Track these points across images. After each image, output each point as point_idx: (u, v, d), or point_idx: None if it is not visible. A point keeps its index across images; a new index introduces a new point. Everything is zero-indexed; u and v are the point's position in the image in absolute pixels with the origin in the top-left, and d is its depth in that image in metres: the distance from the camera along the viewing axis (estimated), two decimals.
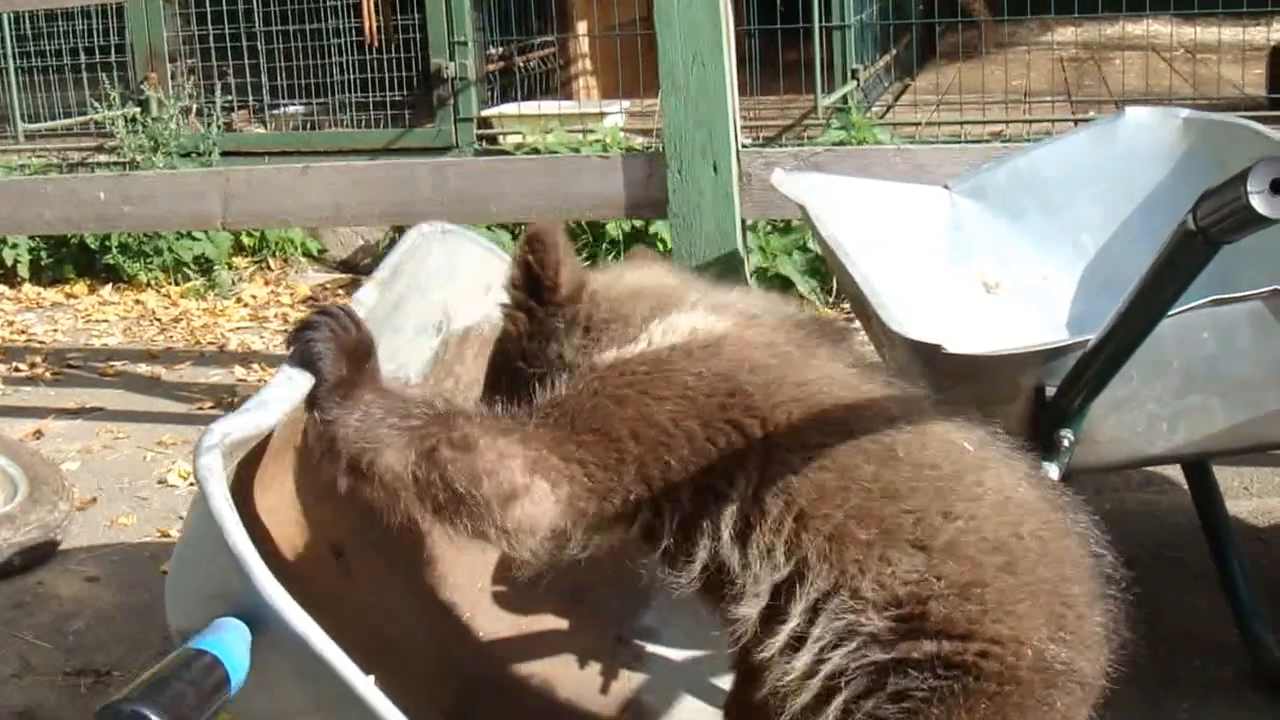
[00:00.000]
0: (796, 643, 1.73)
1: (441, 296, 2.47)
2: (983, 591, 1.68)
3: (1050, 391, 2.27)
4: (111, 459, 4.51)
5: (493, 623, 2.52)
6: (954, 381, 2.38)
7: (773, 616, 1.75)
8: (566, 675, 2.53)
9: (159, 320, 6.41)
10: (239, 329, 6.21)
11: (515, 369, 2.01)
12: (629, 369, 1.84)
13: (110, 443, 4.67)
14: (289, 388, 1.85)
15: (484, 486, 1.72)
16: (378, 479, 1.77)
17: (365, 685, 1.55)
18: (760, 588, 1.75)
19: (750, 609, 1.76)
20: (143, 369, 5.61)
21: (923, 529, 1.71)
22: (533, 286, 1.99)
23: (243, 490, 1.89)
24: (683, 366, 1.82)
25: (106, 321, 6.43)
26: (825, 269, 5.65)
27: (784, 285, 5.90)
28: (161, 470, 4.36)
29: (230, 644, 1.53)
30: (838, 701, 1.70)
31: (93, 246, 6.86)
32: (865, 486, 1.73)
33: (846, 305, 5.69)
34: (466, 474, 1.73)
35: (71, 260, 7.00)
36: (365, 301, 2.15)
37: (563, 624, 2.58)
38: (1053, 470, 2.25)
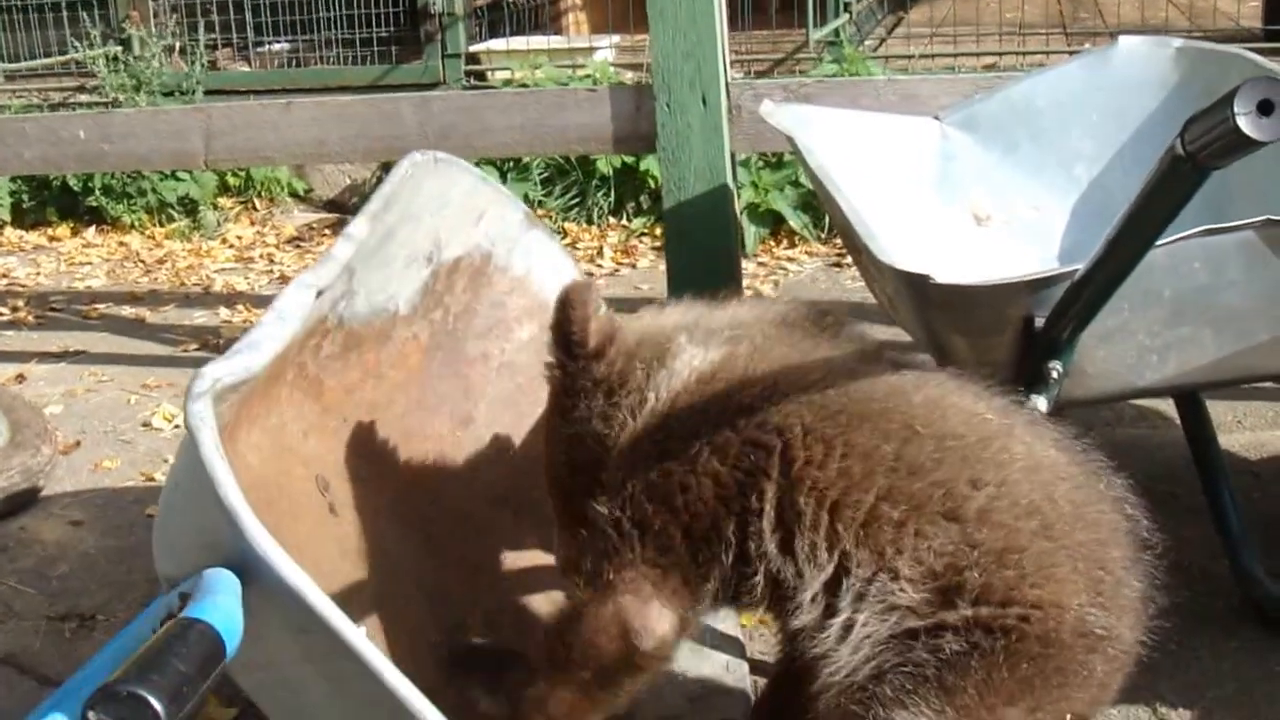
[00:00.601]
0: (845, 631, 1.72)
1: (432, 226, 2.43)
2: (1020, 557, 1.67)
3: (1039, 323, 2.24)
4: (95, 402, 4.47)
5: (482, 554, 2.49)
6: (943, 313, 2.34)
7: (825, 614, 1.75)
8: (556, 607, 2.49)
9: (143, 262, 6.36)
10: (224, 270, 6.16)
11: (561, 425, 2.07)
12: (647, 443, 1.87)
13: (94, 386, 4.63)
14: (280, 326, 1.82)
15: (616, 650, 1.81)
16: None
17: (358, 639, 1.53)
18: (813, 591, 1.75)
19: (809, 617, 1.76)
20: (127, 311, 5.56)
21: (953, 500, 1.70)
22: (566, 345, 2.02)
23: (229, 429, 1.85)
24: (689, 413, 1.84)
25: (90, 264, 6.38)
26: (818, 204, 5.61)
27: (776, 221, 5.85)
28: (146, 413, 4.31)
29: (223, 606, 1.48)
30: (883, 673, 1.69)
31: (75, 189, 6.79)
32: (890, 466, 1.73)
33: (840, 241, 5.66)
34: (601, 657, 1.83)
35: (54, 203, 6.93)
36: (356, 235, 2.11)
37: (552, 556, 2.55)
38: (1042, 403, 2.22)
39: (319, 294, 1.99)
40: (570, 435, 2.03)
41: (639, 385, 1.93)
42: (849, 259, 5.44)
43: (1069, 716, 1.67)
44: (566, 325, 2.01)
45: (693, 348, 1.93)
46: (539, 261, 2.67)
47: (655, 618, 1.81)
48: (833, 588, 1.73)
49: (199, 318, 5.42)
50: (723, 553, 1.80)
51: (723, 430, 1.81)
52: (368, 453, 2.30)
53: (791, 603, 1.77)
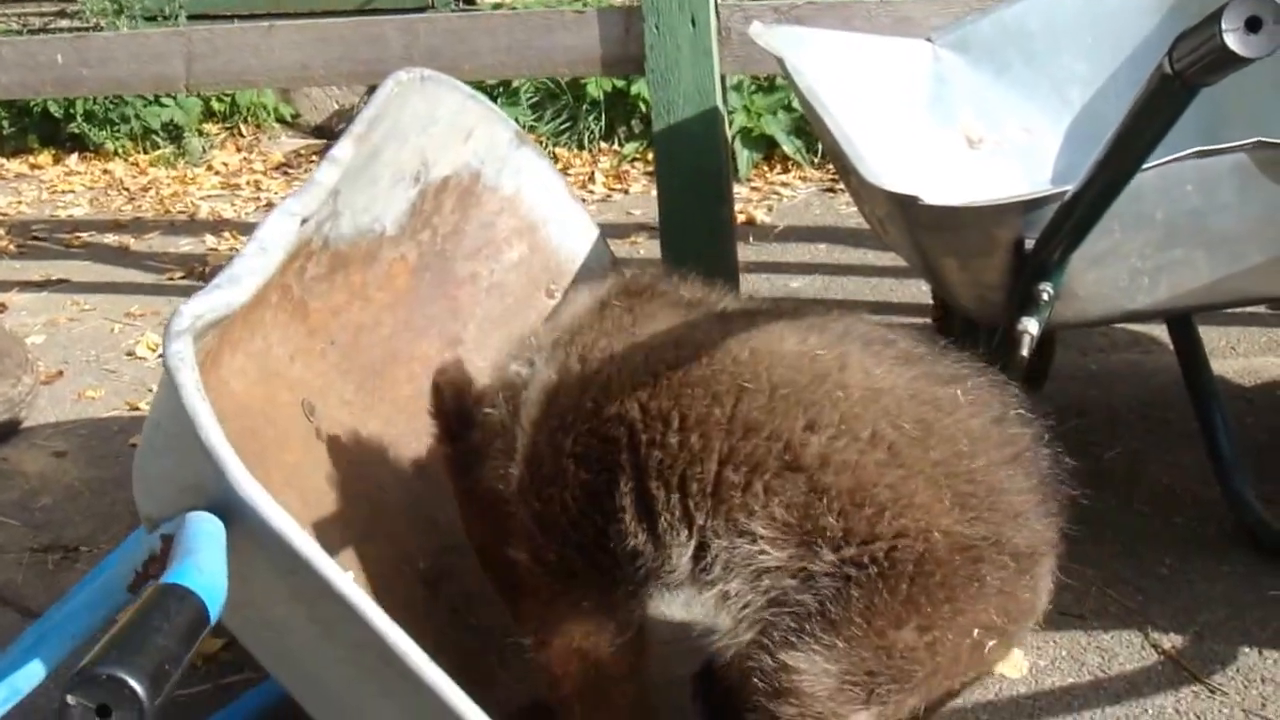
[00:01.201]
0: (723, 600, 1.75)
1: (419, 145, 2.38)
2: (873, 492, 1.65)
3: (1029, 245, 2.20)
4: (78, 331, 4.43)
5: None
6: (933, 235, 2.31)
7: (700, 589, 1.79)
8: None
9: (127, 190, 6.29)
10: (210, 197, 6.10)
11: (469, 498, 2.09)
12: (528, 476, 1.88)
13: (77, 315, 4.59)
14: (262, 258, 1.79)
15: (588, 676, 1.88)
16: None
17: (345, 583, 1.51)
18: (683, 570, 1.77)
19: (688, 593, 1.82)
20: (110, 239, 5.50)
21: (792, 450, 1.69)
22: (443, 429, 2.05)
23: (211, 356, 1.82)
24: (549, 435, 1.85)
25: (73, 192, 6.31)
26: (811, 129, 5.54)
27: (770, 145, 5.79)
28: (130, 342, 4.28)
29: (205, 566, 1.44)
30: (769, 625, 1.70)
31: (56, 115, 6.71)
32: (725, 429, 1.72)
33: (834, 166, 5.61)
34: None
35: (35, 130, 6.84)
36: (340, 159, 2.07)
37: None
38: (1032, 326, 2.19)
39: (303, 222, 1.96)
40: (481, 499, 2.04)
41: (506, 428, 1.94)
42: (843, 184, 5.38)
43: (977, 630, 1.65)
44: (436, 411, 2.04)
45: (529, 371, 1.93)
46: (529, 180, 2.63)
47: (599, 633, 1.86)
48: (700, 562, 1.75)
49: (184, 245, 5.36)
50: (615, 556, 1.82)
51: (577, 439, 1.82)
52: (355, 376, 2.28)
53: (672, 583, 1.82)
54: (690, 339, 1.82)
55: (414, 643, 1.52)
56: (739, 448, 1.71)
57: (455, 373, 2.05)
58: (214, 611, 1.41)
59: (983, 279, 2.29)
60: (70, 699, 1.23)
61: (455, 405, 2.02)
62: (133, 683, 1.24)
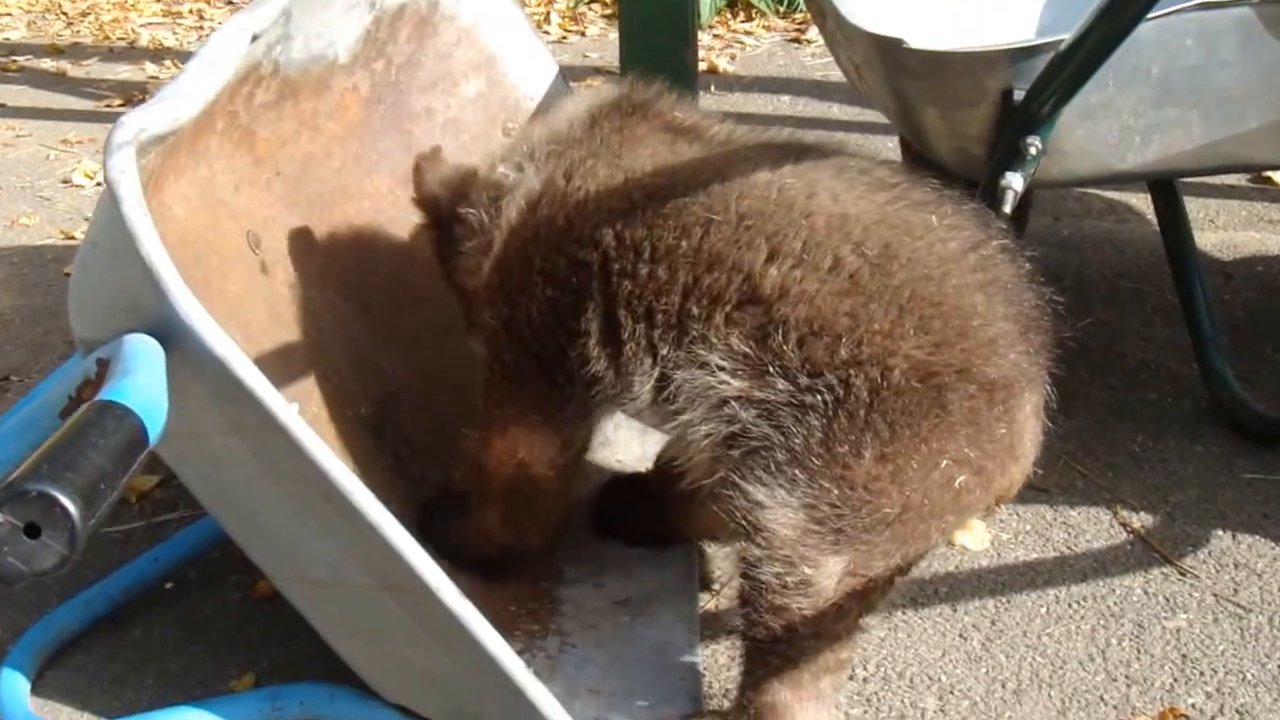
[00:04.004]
0: (686, 431, 1.73)
1: None
2: (830, 321, 1.61)
3: (1019, 95, 2.10)
4: (12, 157, 4.29)
5: (419, 327, 2.38)
6: (916, 82, 2.21)
7: (663, 420, 1.79)
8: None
9: (65, 14, 6.12)
10: (151, 24, 5.94)
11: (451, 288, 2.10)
12: (496, 279, 1.88)
13: (11, 141, 4.45)
14: (209, 74, 1.71)
15: (520, 476, 1.92)
16: None
17: (288, 414, 1.45)
18: (646, 399, 1.77)
19: (652, 423, 1.85)
20: (47, 64, 5.34)
21: (751, 281, 1.66)
22: (423, 211, 2.07)
23: (154, 179, 1.72)
24: (522, 244, 1.85)
25: (9, 15, 6.12)
26: None
27: None
28: (66, 169, 4.15)
29: (144, 385, 1.35)
30: (733, 460, 1.68)
31: None
32: (690, 261, 1.70)
33: (800, 16, 5.46)
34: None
35: None
36: None
37: None
38: (1016, 181, 2.09)
39: (254, 39, 1.88)
40: (458, 291, 2.06)
41: (484, 227, 1.93)
42: (808, 34, 5.24)
43: (945, 461, 1.60)
44: (417, 192, 2.05)
45: (516, 175, 1.90)
46: (488, 12, 2.51)
47: (542, 448, 1.89)
48: (662, 392, 1.74)
49: (124, 73, 5.20)
50: (571, 376, 1.83)
51: (549, 255, 1.81)
52: (301, 209, 2.19)
53: (631, 411, 1.83)
54: (667, 169, 1.78)
55: (356, 478, 1.47)
56: (702, 279, 1.69)
57: (437, 158, 2.06)
58: (153, 433, 1.32)
59: (966, 130, 2.20)
60: None
61: (436, 192, 2.02)
62: (64, 500, 1.15)
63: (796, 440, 1.61)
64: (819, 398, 1.60)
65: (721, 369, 1.66)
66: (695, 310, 1.69)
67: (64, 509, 1.15)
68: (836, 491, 1.58)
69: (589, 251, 1.77)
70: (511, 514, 1.98)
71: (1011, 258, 1.70)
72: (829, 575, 1.60)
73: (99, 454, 1.23)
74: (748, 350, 1.65)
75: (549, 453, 1.89)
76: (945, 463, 1.60)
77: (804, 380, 1.61)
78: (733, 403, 1.66)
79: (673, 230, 1.71)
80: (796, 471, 1.60)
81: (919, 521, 1.61)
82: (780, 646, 1.65)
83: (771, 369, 1.63)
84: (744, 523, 1.63)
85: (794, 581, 1.60)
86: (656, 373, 1.74)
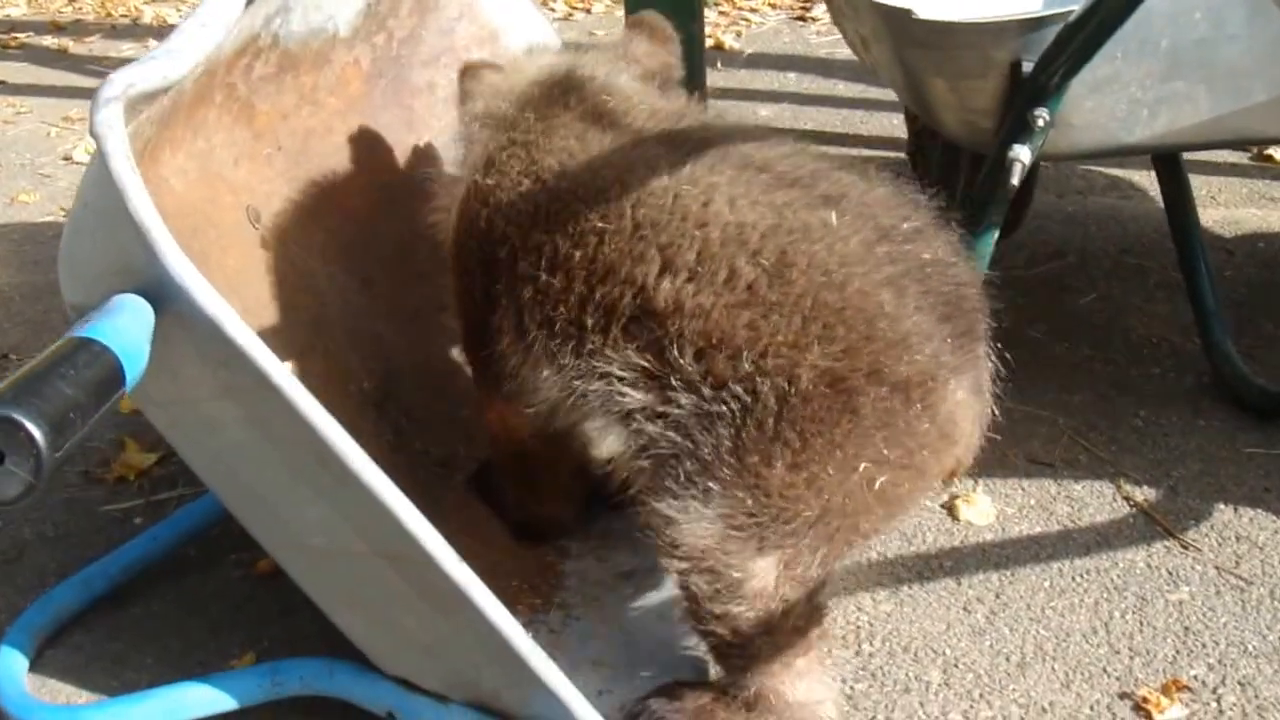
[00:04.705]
0: (598, 433, 1.70)
1: None
2: (729, 334, 1.55)
3: (1027, 67, 2.08)
4: (13, 134, 4.28)
5: (420, 301, 2.37)
6: (923, 53, 2.19)
7: (574, 425, 1.74)
8: None
9: None
10: (154, 1, 5.89)
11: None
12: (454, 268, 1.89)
13: (12, 118, 4.43)
14: (202, 33, 1.67)
15: (508, 439, 1.95)
16: None
17: (282, 375, 1.42)
18: (550, 399, 1.73)
19: (565, 425, 1.77)
20: (49, 41, 5.31)
21: (645, 294, 1.60)
22: None
23: (150, 150, 1.70)
24: (465, 236, 1.83)
25: None
26: None
27: None
28: (67, 147, 4.14)
29: (125, 329, 1.32)
30: (644, 469, 1.65)
31: None
32: (585, 271, 1.64)
33: None
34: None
35: None
36: None
37: None
38: (1024, 154, 2.07)
39: (249, 2, 1.85)
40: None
41: (455, 181, 1.91)
42: (814, 11, 5.22)
43: (864, 465, 1.54)
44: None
45: (482, 137, 1.86)
46: None
47: (517, 415, 1.84)
48: (568, 401, 1.71)
49: (127, 50, 5.17)
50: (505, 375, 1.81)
51: (472, 250, 1.79)
52: (303, 184, 2.17)
53: (547, 415, 1.78)
54: (570, 170, 1.73)
55: (353, 440, 1.43)
56: (595, 292, 1.63)
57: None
58: (130, 375, 1.29)
59: (974, 103, 2.18)
60: None
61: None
62: (30, 426, 1.11)
63: (705, 451, 1.56)
64: (725, 408, 1.55)
65: (623, 380, 1.62)
66: (590, 322, 1.64)
67: (29, 435, 1.11)
68: (751, 501, 1.54)
69: (500, 249, 1.74)
70: (518, 482, 1.99)
71: (936, 233, 1.65)
72: (761, 576, 1.57)
73: (70, 385, 1.19)
74: (646, 364, 1.61)
75: (521, 420, 1.85)
76: (863, 466, 1.54)
77: (708, 392, 1.56)
78: (638, 415, 1.62)
79: (569, 238, 1.66)
80: (709, 483, 1.55)
81: (843, 518, 1.57)
82: (737, 649, 1.62)
83: (674, 381, 1.59)
84: (662, 539, 1.59)
85: (725, 587, 1.57)
86: (560, 381, 1.70)
